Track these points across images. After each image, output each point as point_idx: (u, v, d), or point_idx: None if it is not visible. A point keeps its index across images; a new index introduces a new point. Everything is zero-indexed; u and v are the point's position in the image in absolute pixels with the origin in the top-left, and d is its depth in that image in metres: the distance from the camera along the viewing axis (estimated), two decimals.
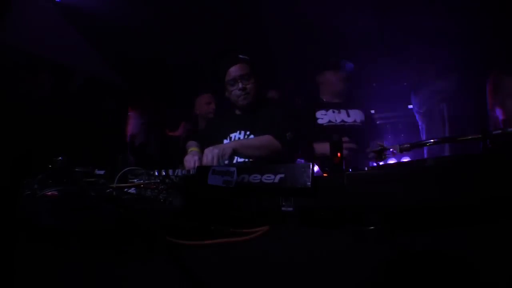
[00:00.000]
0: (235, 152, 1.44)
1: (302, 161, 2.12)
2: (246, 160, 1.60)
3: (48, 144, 2.17)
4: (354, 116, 2.04)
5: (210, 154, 1.36)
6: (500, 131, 0.81)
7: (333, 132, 1.90)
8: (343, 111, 2.03)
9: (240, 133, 1.67)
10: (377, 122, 3.59)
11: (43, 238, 0.48)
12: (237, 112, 1.74)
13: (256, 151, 1.50)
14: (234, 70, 1.63)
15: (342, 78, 2.09)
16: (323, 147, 1.86)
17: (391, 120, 3.71)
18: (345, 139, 1.79)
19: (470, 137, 0.88)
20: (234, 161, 1.62)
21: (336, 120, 2.00)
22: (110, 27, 3.07)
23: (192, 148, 1.66)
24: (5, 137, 1.99)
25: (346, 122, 2.01)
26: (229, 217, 0.59)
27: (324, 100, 2.12)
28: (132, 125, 3.23)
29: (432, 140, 1.10)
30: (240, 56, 1.66)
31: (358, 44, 2.77)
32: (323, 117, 2.02)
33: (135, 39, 3.22)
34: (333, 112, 2.03)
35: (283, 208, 0.54)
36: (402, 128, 3.68)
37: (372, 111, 3.66)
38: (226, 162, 1.58)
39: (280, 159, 1.53)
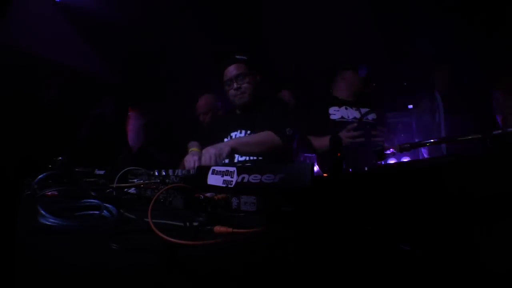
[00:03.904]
0: (234, 151, 1.44)
1: (306, 155, 2.12)
2: (247, 158, 1.59)
3: (48, 144, 2.17)
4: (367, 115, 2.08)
5: (208, 154, 1.36)
6: (500, 131, 0.81)
7: (344, 128, 1.92)
8: (356, 109, 2.08)
9: (240, 132, 1.68)
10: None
11: (42, 238, 0.48)
12: (238, 111, 1.75)
13: (256, 147, 1.49)
14: (230, 71, 1.65)
15: (361, 79, 2.16)
16: (321, 142, 1.88)
17: (391, 120, 3.72)
18: (352, 126, 1.80)
19: (470, 137, 0.88)
20: (235, 160, 1.62)
21: (348, 117, 2.04)
22: (110, 27, 3.07)
23: (193, 149, 1.67)
24: (5, 137, 1.99)
25: (358, 119, 2.05)
26: (229, 217, 0.59)
27: (338, 97, 2.16)
28: (132, 125, 3.23)
29: (432, 140, 1.10)
30: (237, 56, 1.67)
31: (358, 44, 2.78)
32: (336, 113, 2.06)
33: (135, 39, 3.23)
34: (346, 109, 2.07)
35: (283, 208, 0.54)
36: (402, 128, 3.68)
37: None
38: (227, 161, 1.58)
39: (279, 155, 1.52)
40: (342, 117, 2.03)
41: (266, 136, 1.51)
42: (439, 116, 2.36)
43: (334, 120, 2.03)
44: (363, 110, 2.08)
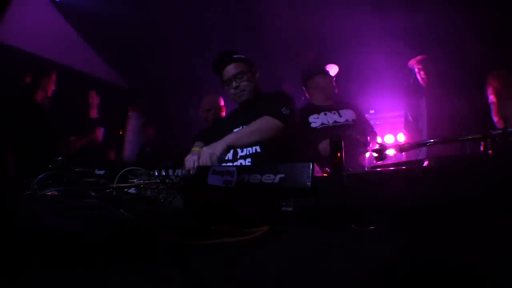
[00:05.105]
0: (230, 147, 1.43)
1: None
2: (249, 151, 1.58)
3: (49, 145, 2.17)
4: (346, 115, 2.08)
5: (203, 154, 1.37)
6: (500, 131, 0.81)
7: (327, 133, 1.91)
8: (334, 113, 2.08)
9: (242, 128, 1.67)
10: (377, 122, 3.61)
11: (42, 239, 0.48)
12: (239, 108, 1.76)
13: (255, 136, 1.46)
14: (228, 70, 1.65)
15: (331, 81, 2.17)
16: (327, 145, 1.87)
17: (391, 120, 3.73)
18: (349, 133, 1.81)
19: (470, 137, 0.88)
20: (240, 153, 1.61)
21: (328, 122, 2.04)
22: (110, 27, 3.06)
23: (194, 148, 1.67)
24: (5, 137, 1.99)
25: (339, 122, 2.05)
26: (229, 217, 0.59)
27: (315, 104, 2.17)
28: (132, 125, 3.22)
29: (432, 140, 1.10)
30: (234, 56, 1.67)
31: (358, 44, 2.78)
32: (316, 120, 2.06)
33: (136, 39, 3.22)
34: (325, 114, 2.07)
35: (283, 208, 0.54)
36: (401, 128, 3.68)
37: (372, 111, 3.66)
38: (227, 158, 1.57)
39: (284, 138, 1.49)
40: (322, 124, 2.03)
41: (264, 121, 1.48)
42: (422, 123, 2.35)
43: (315, 128, 2.02)
44: (342, 112, 2.08)
